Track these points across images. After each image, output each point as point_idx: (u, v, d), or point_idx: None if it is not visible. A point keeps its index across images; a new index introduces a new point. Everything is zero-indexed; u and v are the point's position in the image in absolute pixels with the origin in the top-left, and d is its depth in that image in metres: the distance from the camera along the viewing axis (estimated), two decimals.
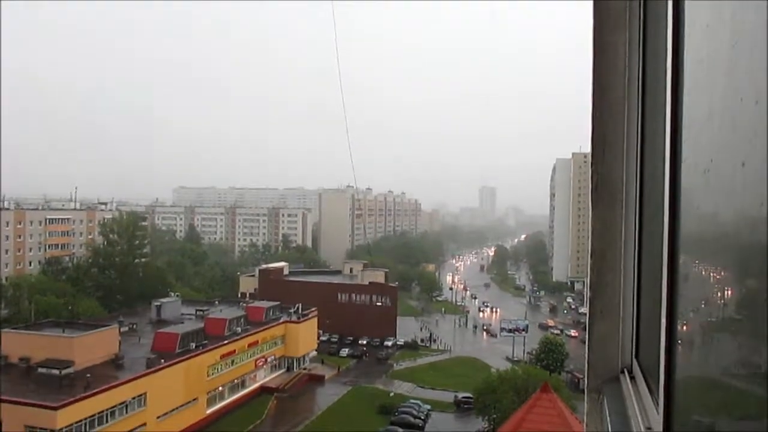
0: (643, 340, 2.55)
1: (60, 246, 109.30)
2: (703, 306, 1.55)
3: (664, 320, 1.90)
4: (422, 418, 61.46)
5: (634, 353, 2.67)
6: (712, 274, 1.49)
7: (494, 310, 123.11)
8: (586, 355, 2.76)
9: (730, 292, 1.29)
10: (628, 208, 2.71)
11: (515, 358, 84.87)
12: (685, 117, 1.68)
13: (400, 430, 56.87)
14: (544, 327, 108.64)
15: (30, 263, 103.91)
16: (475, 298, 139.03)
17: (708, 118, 1.42)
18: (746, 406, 1.15)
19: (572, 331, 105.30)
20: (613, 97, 2.70)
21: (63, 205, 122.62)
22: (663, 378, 1.86)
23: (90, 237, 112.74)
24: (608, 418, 2.41)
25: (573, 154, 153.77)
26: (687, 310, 1.75)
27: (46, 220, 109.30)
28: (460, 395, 66.17)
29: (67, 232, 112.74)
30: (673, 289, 1.86)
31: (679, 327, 1.83)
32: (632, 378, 2.57)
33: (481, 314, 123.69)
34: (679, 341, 1.82)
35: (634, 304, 2.67)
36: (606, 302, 2.73)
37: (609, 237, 2.75)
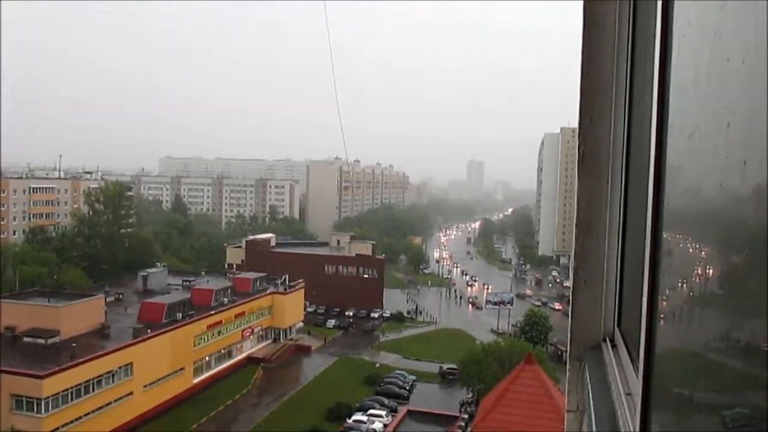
0: (625, 310, 2.59)
1: (44, 215, 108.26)
2: (684, 276, 1.57)
3: (645, 289, 1.92)
4: (407, 388, 62.27)
5: (616, 322, 2.70)
6: (694, 245, 1.51)
7: (486, 286, 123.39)
8: (569, 324, 2.79)
9: (711, 263, 1.30)
10: (614, 180, 2.73)
11: (500, 331, 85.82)
12: (673, 82, 1.68)
13: (386, 400, 57.59)
14: (522, 296, 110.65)
15: (14, 232, 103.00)
16: (466, 274, 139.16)
17: (695, 81, 1.42)
18: (722, 372, 1.18)
19: (556, 304, 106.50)
20: (602, 67, 2.69)
21: (47, 174, 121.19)
22: (643, 346, 1.89)
23: (75, 206, 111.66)
24: (589, 384, 2.45)
25: (561, 128, 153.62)
26: (668, 280, 1.76)
27: (29, 189, 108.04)
28: (445, 366, 67.07)
29: (52, 201, 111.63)
30: (656, 259, 1.88)
31: (660, 296, 1.85)
32: (614, 346, 2.61)
33: (469, 289, 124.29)
34: (660, 310, 1.84)
35: (618, 274, 2.70)
36: (590, 272, 2.76)
37: (594, 208, 2.76)
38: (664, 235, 1.83)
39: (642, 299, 1.94)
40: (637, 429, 1.78)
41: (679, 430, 1.53)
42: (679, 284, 1.62)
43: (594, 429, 2.09)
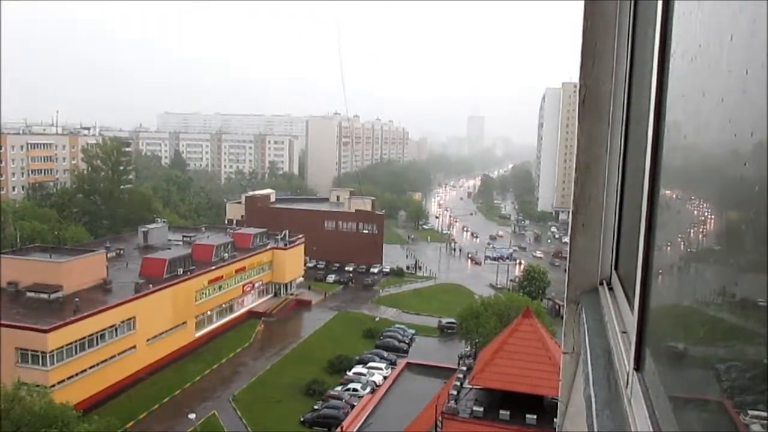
0: (623, 253, 2.59)
1: (43, 171, 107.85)
2: (680, 219, 1.56)
3: (643, 229, 1.92)
4: (407, 342, 63.19)
5: (613, 265, 2.71)
6: (693, 187, 1.49)
7: (490, 242, 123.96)
8: (567, 268, 2.80)
9: (711, 204, 1.29)
10: (614, 123, 2.70)
11: (499, 286, 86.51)
12: (676, 16, 1.64)
13: (385, 353, 58.54)
14: (493, 237, 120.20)
15: (13, 188, 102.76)
16: (474, 234, 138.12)
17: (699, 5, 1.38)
18: (714, 310, 1.19)
19: (538, 252, 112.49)
20: (604, 6, 2.63)
21: (44, 130, 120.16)
22: (639, 285, 1.90)
23: (73, 162, 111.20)
24: (585, 324, 2.47)
25: (563, 83, 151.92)
26: (667, 222, 1.76)
27: (27, 144, 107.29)
28: (444, 320, 67.86)
29: (50, 157, 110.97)
30: (654, 200, 1.87)
31: (658, 237, 1.85)
32: (611, 289, 2.62)
33: (485, 251, 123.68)
34: (658, 251, 1.84)
35: (617, 218, 2.69)
36: (588, 216, 2.75)
37: (594, 151, 2.74)
38: (663, 178, 1.82)
39: (639, 239, 1.94)
40: (632, 364, 1.81)
41: (671, 363, 1.55)
42: (677, 226, 1.61)
43: (589, 366, 2.12)
